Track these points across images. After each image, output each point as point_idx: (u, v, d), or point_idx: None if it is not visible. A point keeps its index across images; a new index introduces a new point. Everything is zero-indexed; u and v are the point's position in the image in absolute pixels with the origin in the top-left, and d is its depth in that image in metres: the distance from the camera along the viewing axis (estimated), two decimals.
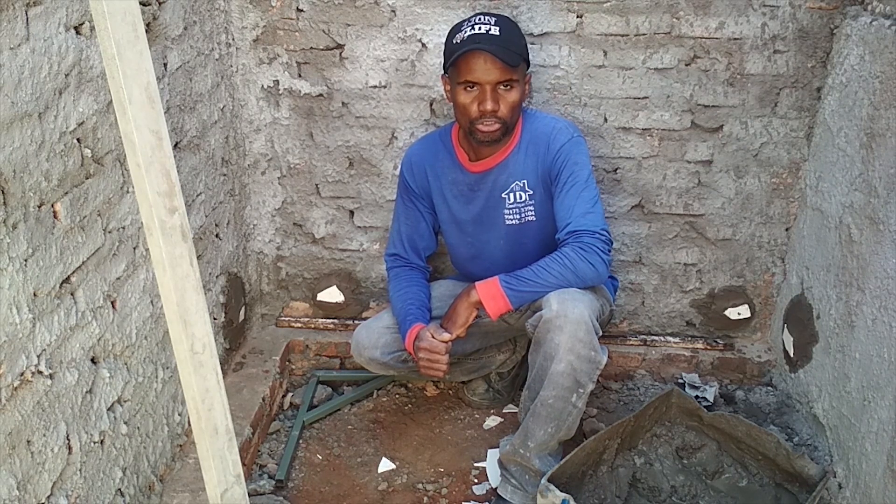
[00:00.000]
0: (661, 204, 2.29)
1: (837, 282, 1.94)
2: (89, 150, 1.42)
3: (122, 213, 1.55)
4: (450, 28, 1.92)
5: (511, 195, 1.97)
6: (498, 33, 1.80)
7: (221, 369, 1.22)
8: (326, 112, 2.25)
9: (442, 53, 2.15)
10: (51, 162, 1.29)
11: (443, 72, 1.93)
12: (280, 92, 2.24)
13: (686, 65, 2.13)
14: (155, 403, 1.76)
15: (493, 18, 1.83)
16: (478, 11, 2.01)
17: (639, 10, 2.08)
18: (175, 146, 1.82)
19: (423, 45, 2.15)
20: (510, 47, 1.80)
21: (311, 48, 2.18)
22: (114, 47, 1.01)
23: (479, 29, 1.80)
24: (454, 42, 1.84)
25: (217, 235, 2.14)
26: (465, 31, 1.82)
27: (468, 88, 1.83)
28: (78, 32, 1.35)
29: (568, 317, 1.71)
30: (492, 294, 1.83)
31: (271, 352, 2.37)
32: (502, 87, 1.82)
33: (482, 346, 2.19)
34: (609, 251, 1.85)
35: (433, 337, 1.87)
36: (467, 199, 2.02)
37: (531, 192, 1.95)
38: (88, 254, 1.43)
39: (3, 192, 1.18)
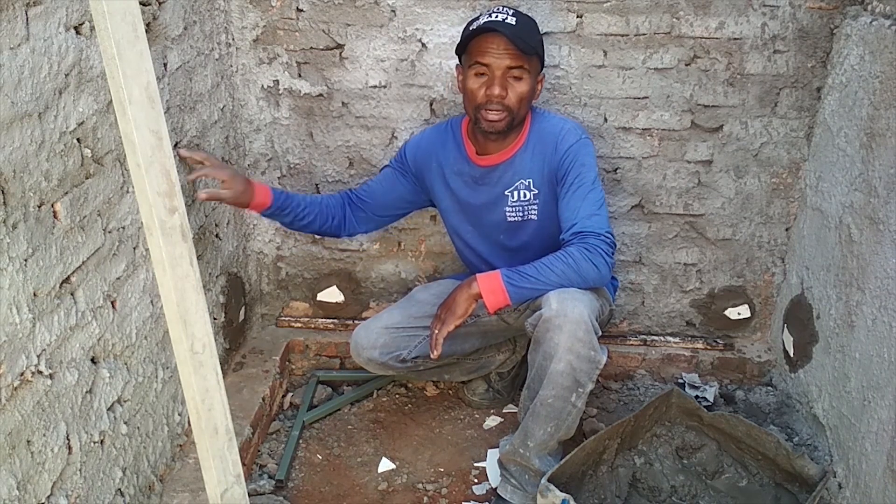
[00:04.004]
0: (661, 204, 2.29)
1: (837, 282, 1.94)
2: (89, 150, 1.42)
3: (122, 213, 1.55)
4: (466, 22, 1.92)
5: (515, 193, 1.97)
6: (514, 23, 1.81)
7: (221, 369, 1.22)
8: (326, 112, 2.25)
9: (441, 53, 2.16)
10: (51, 162, 1.29)
11: (457, 62, 1.93)
12: (280, 92, 2.24)
13: (686, 65, 2.13)
14: (155, 403, 1.76)
15: (512, 11, 1.85)
16: (497, 5, 2.00)
17: (639, 10, 2.08)
18: (175, 146, 1.82)
19: (423, 45, 2.15)
20: (525, 38, 1.80)
21: (311, 48, 2.18)
22: (114, 47, 1.01)
23: (496, 17, 1.82)
24: (470, 28, 1.85)
25: (217, 235, 2.14)
26: (482, 19, 1.83)
27: (478, 74, 1.83)
28: (78, 32, 1.35)
29: (567, 316, 1.71)
30: (492, 288, 1.82)
31: (271, 352, 2.37)
32: (512, 75, 1.82)
33: (482, 345, 2.19)
34: (613, 254, 1.84)
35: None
36: (472, 190, 2.02)
37: (536, 192, 1.95)
38: (88, 254, 1.43)
39: (3, 192, 1.18)
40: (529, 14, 2.09)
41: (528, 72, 1.83)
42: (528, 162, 1.94)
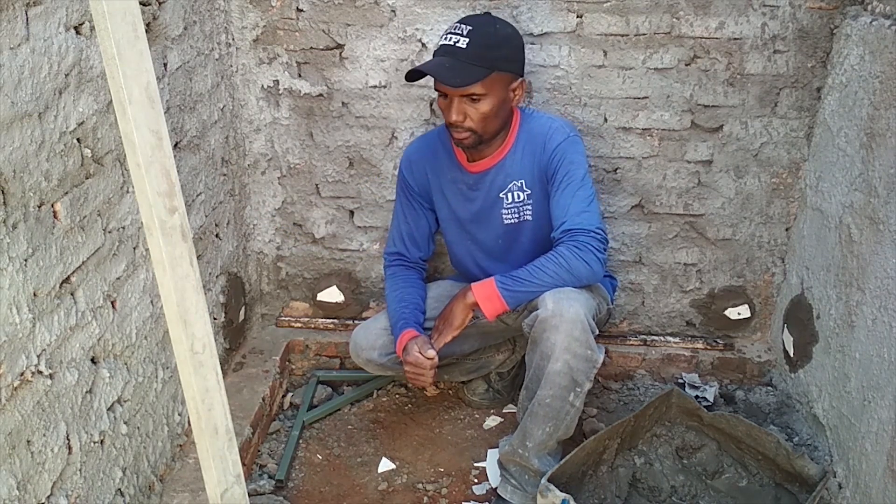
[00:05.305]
0: (661, 204, 2.29)
1: (837, 282, 1.94)
2: (89, 150, 1.42)
3: (122, 213, 1.55)
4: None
5: (509, 195, 1.97)
6: (464, 46, 1.77)
7: (221, 369, 1.22)
8: (326, 112, 2.25)
9: None
10: (51, 162, 1.29)
11: None
12: (280, 92, 2.24)
13: (686, 65, 2.13)
14: (155, 403, 1.76)
15: (469, 28, 1.79)
16: (464, 17, 1.91)
17: (639, 10, 2.08)
18: (175, 146, 1.82)
19: (423, 45, 2.15)
20: (475, 61, 1.76)
21: (311, 48, 2.18)
22: (114, 47, 1.01)
23: (450, 40, 1.80)
24: (435, 48, 1.85)
25: (217, 235, 2.14)
26: (442, 39, 1.83)
27: (441, 95, 1.84)
28: (78, 32, 1.35)
29: (563, 316, 1.72)
30: (487, 295, 1.83)
31: (271, 352, 2.37)
32: (469, 98, 1.80)
33: (481, 346, 2.19)
34: (604, 249, 1.85)
35: (419, 352, 1.87)
36: (467, 198, 2.03)
37: (529, 192, 1.96)
38: (88, 254, 1.43)
39: (3, 192, 1.18)
40: (529, 14, 2.09)
41: (485, 94, 1.79)
42: (518, 163, 1.94)
